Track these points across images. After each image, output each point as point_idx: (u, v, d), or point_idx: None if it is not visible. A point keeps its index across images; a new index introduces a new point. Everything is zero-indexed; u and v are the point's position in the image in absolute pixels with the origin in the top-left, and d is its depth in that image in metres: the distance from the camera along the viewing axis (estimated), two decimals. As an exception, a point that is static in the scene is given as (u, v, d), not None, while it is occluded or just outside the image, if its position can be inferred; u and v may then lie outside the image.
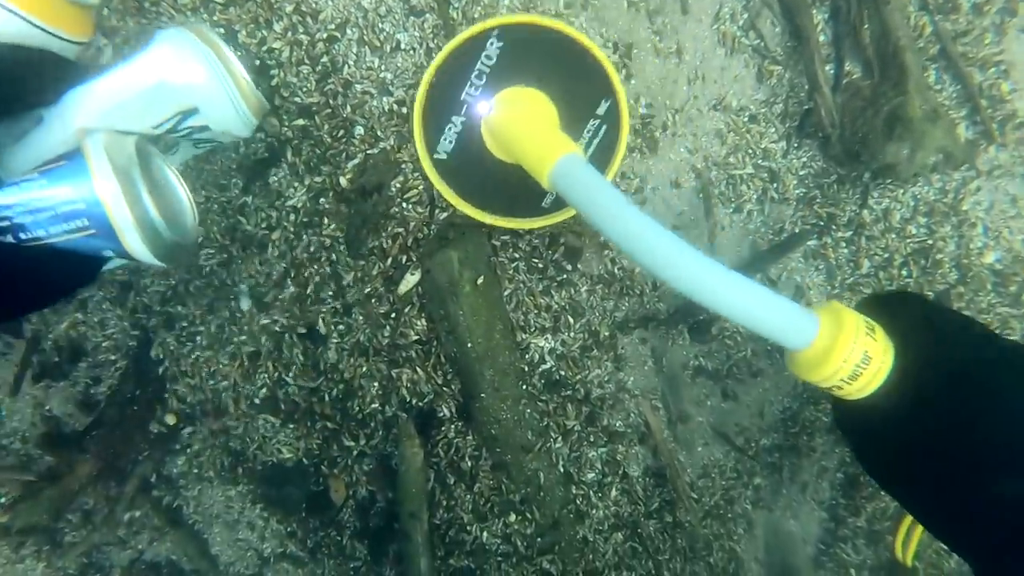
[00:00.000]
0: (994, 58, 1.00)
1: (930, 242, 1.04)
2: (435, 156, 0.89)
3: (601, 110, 0.87)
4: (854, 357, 0.59)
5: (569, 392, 1.04)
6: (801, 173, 1.02)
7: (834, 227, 1.03)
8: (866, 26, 0.93)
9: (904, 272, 1.04)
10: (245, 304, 1.00)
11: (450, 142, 0.88)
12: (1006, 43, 1.01)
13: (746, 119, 1.00)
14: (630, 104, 0.94)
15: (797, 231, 1.03)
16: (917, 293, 0.99)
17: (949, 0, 0.98)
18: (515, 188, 0.87)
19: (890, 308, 0.66)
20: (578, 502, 1.06)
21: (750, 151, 1.00)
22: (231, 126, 0.75)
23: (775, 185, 1.02)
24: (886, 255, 1.04)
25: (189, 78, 0.69)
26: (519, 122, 0.81)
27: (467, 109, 0.86)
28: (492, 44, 0.84)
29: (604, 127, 0.87)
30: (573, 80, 0.85)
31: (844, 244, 1.04)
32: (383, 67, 0.94)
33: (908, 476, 0.63)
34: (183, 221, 0.74)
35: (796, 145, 1.01)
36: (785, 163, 1.01)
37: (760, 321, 0.60)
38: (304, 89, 0.94)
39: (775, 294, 0.60)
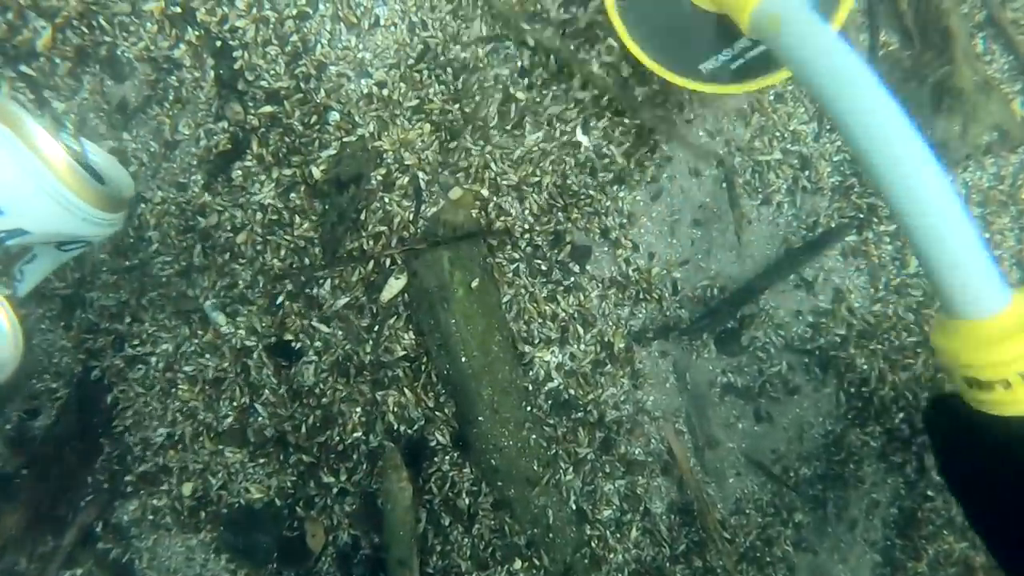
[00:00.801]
0: (1048, 27, 0.90)
1: (987, 236, 0.91)
2: None
3: None
4: None
5: (580, 414, 0.90)
6: (835, 159, 0.90)
7: (875, 220, 0.91)
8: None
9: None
10: (219, 318, 0.87)
11: None
12: (1059, 10, 0.90)
13: (771, 97, 0.88)
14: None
15: (834, 225, 0.91)
16: None
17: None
18: (683, 35, 0.69)
19: None
20: (593, 544, 0.91)
21: (777, 134, 0.89)
22: (65, 227, 0.57)
23: (807, 173, 0.90)
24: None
25: None
26: None
27: None
28: None
29: None
30: None
31: (888, 239, 0.92)
32: (361, 46, 0.84)
33: None
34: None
35: (829, 127, 0.89)
36: (817, 147, 0.90)
37: (955, 267, 0.47)
38: (272, 72, 0.84)
39: (983, 246, 0.48)
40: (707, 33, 0.67)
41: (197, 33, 0.83)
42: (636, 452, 0.92)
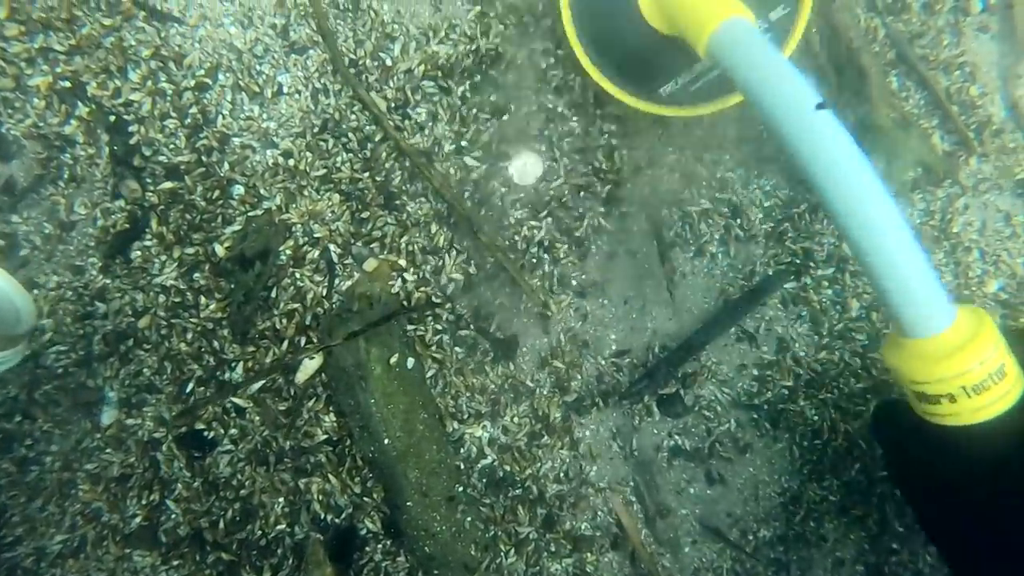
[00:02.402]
0: (956, 60, 0.90)
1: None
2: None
3: (774, 15, 0.71)
4: (991, 364, 0.50)
5: (519, 491, 0.84)
6: (766, 205, 0.88)
7: (812, 264, 0.88)
8: (814, 29, 0.81)
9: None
10: (108, 417, 0.81)
11: None
12: (965, 43, 0.91)
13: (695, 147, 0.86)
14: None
15: (771, 272, 0.88)
16: None
17: (897, 0, 0.88)
18: (641, 58, 0.71)
19: None
20: (543, 632, 0.84)
21: (704, 183, 0.86)
22: None
23: (738, 221, 0.87)
24: (877, 294, 0.89)
25: None
26: None
27: None
28: None
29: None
30: None
31: (827, 284, 0.89)
32: (264, 115, 0.80)
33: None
34: None
35: (756, 173, 0.87)
36: (747, 194, 0.87)
37: (904, 290, 0.50)
38: (171, 146, 0.79)
39: (930, 268, 0.51)
40: (666, 57, 0.69)
41: (89, 108, 0.79)
42: (582, 527, 0.86)
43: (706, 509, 0.89)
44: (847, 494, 0.91)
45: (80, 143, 0.80)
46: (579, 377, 0.85)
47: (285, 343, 0.79)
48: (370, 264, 0.79)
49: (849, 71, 0.81)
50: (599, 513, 0.87)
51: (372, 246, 0.80)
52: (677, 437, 0.88)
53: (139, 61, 0.78)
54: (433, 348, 0.81)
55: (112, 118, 0.79)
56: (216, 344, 0.80)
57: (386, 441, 0.77)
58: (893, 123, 0.82)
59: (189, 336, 0.80)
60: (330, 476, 0.82)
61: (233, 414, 0.81)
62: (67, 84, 0.78)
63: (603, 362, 0.86)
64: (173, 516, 0.82)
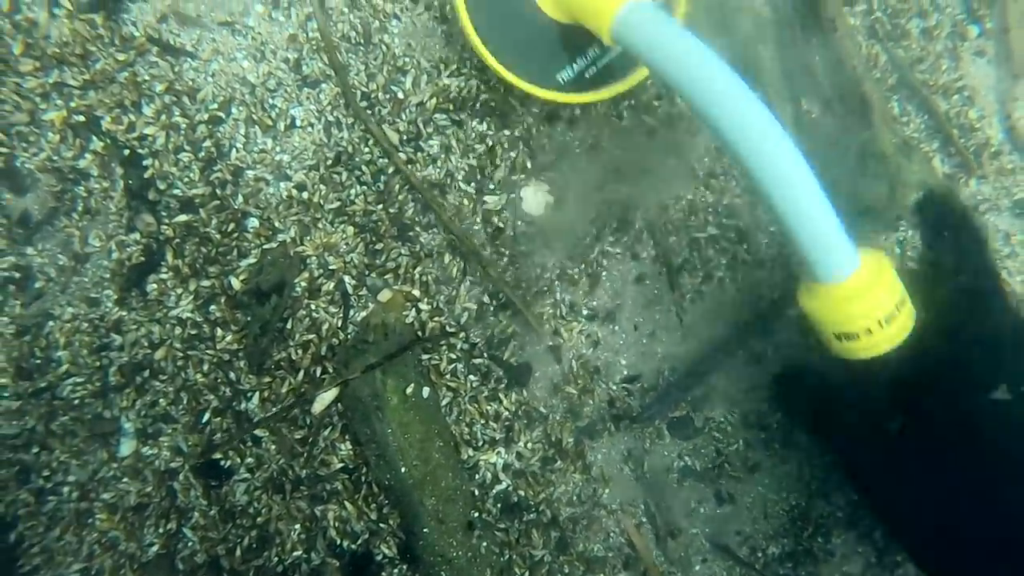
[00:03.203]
0: (955, 84, 0.91)
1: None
2: None
3: None
4: (895, 296, 0.58)
5: (533, 515, 0.85)
6: (772, 230, 0.89)
7: (818, 289, 0.90)
8: (817, 57, 0.83)
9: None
10: (126, 448, 0.81)
11: None
12: (963, 68, 0.92)
13: (702, 174, 0.87)
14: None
15: (776, 297, 0.89)
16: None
17: (897, 27, 0.89)
18: (538, 46, 0.72)
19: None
20: (558, 652, 0.85)
21: (710, 209, 0.88)
22: None
23: (744, 246, 0.88)
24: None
25: None
26: None
27: None
28: None
29: None
30: None
31: (832, 307, 0.90)
32: (278, 148, 0.80)
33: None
34: None
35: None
36: (752, 219, 0.89)
37: (815, 240, 0.56)
38: (186, 180, 0.79)
39: (835, 216, 0.56)
40: (561, 44, 0.71)
41: (103, 142, 0.79)
42: (595, 549, 0.87)
43: (716, 528, 0.91)
44: (855, 509, 0.92)
45: (94, 176, 0.80)
46: (591, 402, 0.86)
47: (301, 373, 0.80)
48: (384, 295, 0.80)
49: (852, 99, 0.82)
50: (611, 534, 0.88)
51: (386, 277, 0.81)
52: (687, 458, 0.89)
53: (153, 96, 0.79)
54: (448, 377, 0.82)
55: (126, 152, 0.79)
56: (232, 375, 0.81)
57: (403, 469, 0.78)
58: (896, 148, 0.83)
59: (205, 367, 0.81)
60: (346, 503, 0.82)
61: (249, 443, 0.82)
62: (81, 118, 0.79)
63: (614, 387, 0.87)
64: (190, 544, 0.83)
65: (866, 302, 0.57)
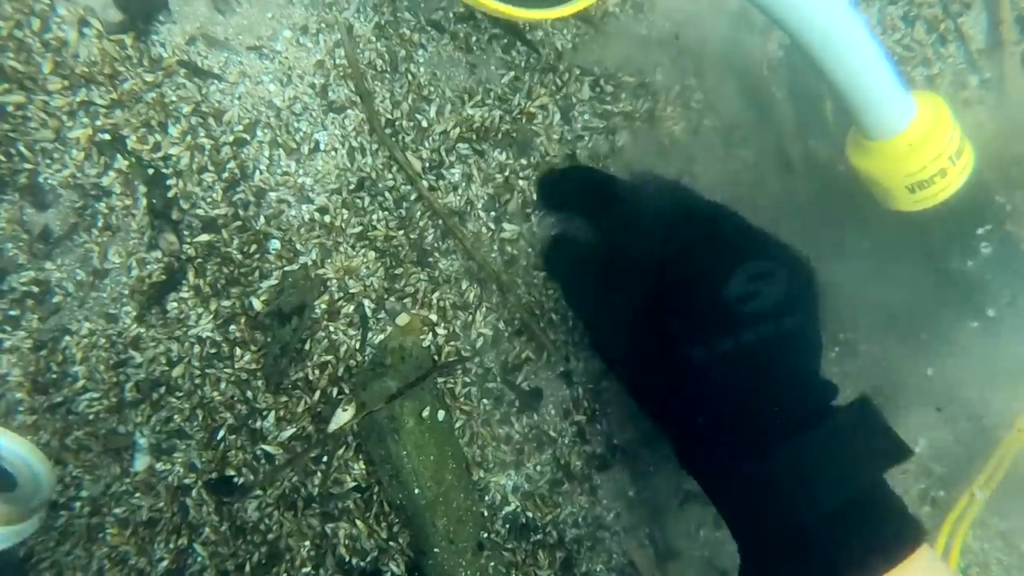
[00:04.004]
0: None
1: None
2: None
3: None
4: (956, 129, 0.57)
5: (540, 536, 0.87)
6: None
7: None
8: (828, 102, 0.86)
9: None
10: (140, 463, 0.82)
11: None
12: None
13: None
14: None
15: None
16: None
17: (903, 74, 0.93)
18: None
19: None
20: (560, 671, 0.87)
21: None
22: None
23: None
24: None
25: None
26: None
27: None
28: None
29: None
30: None
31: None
32: (301, 171, 0.82)
33: None
34: None
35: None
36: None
37: (877, 95, 0.54)
38: (209, 200, 0.81)
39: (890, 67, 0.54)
40: None
41: (128, 161, 0.80)
42: (598, 569, 0.90)
43: (714, 551, 0.93)
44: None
45: (117, 194, 0.81)
46: (600, 427, 0.89)
47: (318, 393, 0.82)
48: (402, 319, 0.81)
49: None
50: (614, 556, 0.90)
51: (405, 301, 0.82)
52: (690, 483, 0.92)
53: (179, 116, 0.80)
54: (462, 400, 0.83)
55: (151, 171, 0.80)
56: (249, 393, 0.82)
57: (416, 491, 0.80)
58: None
59: (222, 385, 0.82)
60: (357, 521, 0.84)
61: (263, 460, 0.83)
62: (107, 137, 0.79)
63: (621, 412, 0.89)
64: (199, 559, 0.84)
65: (936, 143, 0.56)
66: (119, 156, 0.80)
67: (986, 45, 0.87)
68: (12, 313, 0.81)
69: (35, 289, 0.82)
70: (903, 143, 0.56)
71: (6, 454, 0.58)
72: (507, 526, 0.86)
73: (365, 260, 0.81)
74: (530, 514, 0.87)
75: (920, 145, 0.56)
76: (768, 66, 0.84)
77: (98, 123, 0.79)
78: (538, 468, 0.87)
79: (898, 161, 0.57)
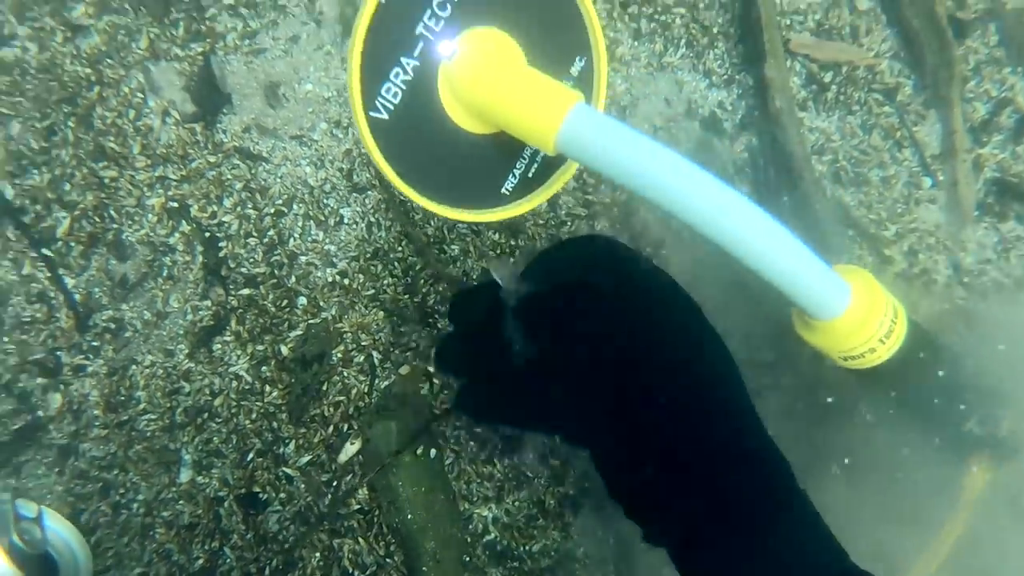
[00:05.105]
0: (908, 227, 1.02)
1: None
2: (372, 114, 0.56)
3: (575, 70, 0.64)
4: (890, 311, 0.61)
5: (516, 564, 0.99)
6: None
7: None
8: (784, 198, 0.96)
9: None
10: (185, 475, 0.98)
11: (395, 95, 0.56)
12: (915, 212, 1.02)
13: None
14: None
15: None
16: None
17: (860, 175, 1.02)
18: (470, 166, 0.62)
19: None
20: None
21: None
22: None
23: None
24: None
25: None
26: (505, 69, 0.56)
27: (423, 49, 0.55)
28: None
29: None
30: (545, 27, 0.60)
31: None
32: (327, 240, 0.97)
33: None
34: None
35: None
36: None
37: (806, 290, 0.56)
38: (251, 260, 0.97)
39: (817, 258, 0.56)
40: (495, 156, 0.62)
41: (190, 226, 0.98)
42: (568, 597, 1.01)
43: (676, 590, 1.03)
44: None
45: (180, 251, 0.98)
46: (572, 472, 1.01)
47: (331, 427, 0.97)
48: (405, 369, 0.96)
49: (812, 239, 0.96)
50: (583, 586, 1.02)
51: (407, 354, 0.97)
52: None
53: (233, 191, 0.97)
54: (452, 441, 0.97)
55: (207, 234, 0.98)
56: (275, 424, 0.97)
57: (409, 516, 0.93)
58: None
59: (253, 415, 0.98)
60: (359, 539, 0.98)
61: (284, 481, 0.99)
62: (175, 205, 0.97)
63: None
64: (228, 561, 1.00)
65: (865, 330, 0.60)
66: (183, 221, 0.98)
67: (940, 151, 0.95)
68: (94, 344, 0.99)
69: (112, 325, 1.00)
70: (832, 328, 0.61)
71: (52, 538, 0.63)
72: (487, 552, 0.99)
73: (376, 318, 0.96)
74: (507, 543, 0.99)
75: (847, 333, 0.61)
76: (734, 166, 0.96)
77: (170, 193, 0.97)
78: (516, 504, 0.99)
79: (834, 340, 0.62)
